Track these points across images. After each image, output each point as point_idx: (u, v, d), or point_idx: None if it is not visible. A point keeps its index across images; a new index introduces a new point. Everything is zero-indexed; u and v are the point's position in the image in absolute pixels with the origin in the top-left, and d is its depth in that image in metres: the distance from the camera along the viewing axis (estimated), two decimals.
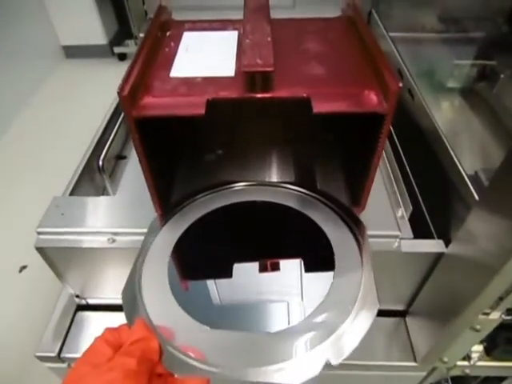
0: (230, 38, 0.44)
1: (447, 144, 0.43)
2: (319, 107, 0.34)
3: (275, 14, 0.48)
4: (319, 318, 0.34)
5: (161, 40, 0.44)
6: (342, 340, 0.33)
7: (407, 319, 0.52)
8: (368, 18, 0.75)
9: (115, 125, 0.64)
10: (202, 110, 0.33)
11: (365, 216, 0.45)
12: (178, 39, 0.44)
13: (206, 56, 0.41)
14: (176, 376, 0.31)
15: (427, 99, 0.51)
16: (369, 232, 0.43)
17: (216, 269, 0.41)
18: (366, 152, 0.39)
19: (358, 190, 0.43)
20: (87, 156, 0.57)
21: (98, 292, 0.52)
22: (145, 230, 0.44)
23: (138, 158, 0.38)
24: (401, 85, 0.32)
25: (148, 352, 0.30)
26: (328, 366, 0.31)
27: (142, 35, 0.42)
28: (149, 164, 0.39)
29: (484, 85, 0.52)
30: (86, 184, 0.56)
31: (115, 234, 0.44)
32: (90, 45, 2.29)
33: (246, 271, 0.40)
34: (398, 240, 0.43)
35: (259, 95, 0.35)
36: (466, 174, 0.40)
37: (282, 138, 0.50)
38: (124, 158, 0.69)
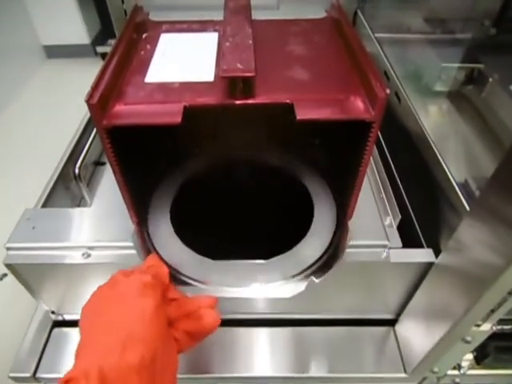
0: (210, 39, 0.42)
1: (436, 150, 0.42)
2: (303, 114, 0.32)
3: (258, 15, 0.46)
4: (303, 249, 0.41)
5: (136, 42, 0.42)
6: (322, 265, 0.40)
7: (396, 328, 0.51)
8: (353, 18, 0.74)
9: (93, 129, 0.61)
10: (178, 119, 0.31)
11: (352, 225, 0.43)
12: (154, 41, 0.42)
13: (184, 59, 0.39)
14: (188, 295, 0.34)
15: (414, 102, 0.49)
16: (356, 242, 0.42)
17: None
18: (353, 160, 0.37)
19: (345, 198, 0.41)
20: (62, 164, 0.54)
21: (76, 307, 0.49)
22: (122, 244, 0.42)
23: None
24: (388, 91, 0.30)
25: (160, 274, 0.33)
26: (312, 283, 0.39)
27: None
28: (123, 174, 0.36)
29: (472, 88, 0.51)
30: (61, 194, 0.53)
31: (90, 248, 0.41)
32: (72, 44, 2.23)
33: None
34: (386, 250, 0.41)
35: (239, 101, 0.33)
36: (456, 182, 0.39)
37: (267, 145, 0.48)
38: (103, 164, 0.66)
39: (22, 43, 2.06)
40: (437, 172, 0.42)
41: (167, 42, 0.42)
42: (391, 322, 0.51)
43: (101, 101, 0.31)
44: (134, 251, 0.41)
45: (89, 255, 0.41)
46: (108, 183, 0.56)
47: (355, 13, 0.73)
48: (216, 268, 0.40)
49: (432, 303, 0.42)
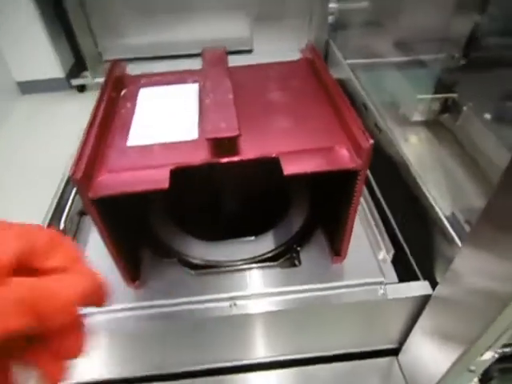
0: (191, 92, 0.42)
1: (420, 182, 0.43)
2: (290, 168, 0.32)
3: (233, 60, 0.46)
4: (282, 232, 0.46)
5: (115, 100, 0.42)
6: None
7: (400, 358, 0.50)
8: (325, 47, 0.76)
9: None
10: (165, 184, 0.31)
11: (346, 264, 0.43)
12: (134, 98, 0.42)
13: (166, 116, 0.39)
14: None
15: (394, 132, 0.50)
16: (352, 281, 0.42)
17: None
18: (342, 205, 0.37)
19: (337, 240, 0.41)
20: (47, 221, 0.53)
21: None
22: (118, 307, 0.40)
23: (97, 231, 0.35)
24: (372, 142, 0.31)
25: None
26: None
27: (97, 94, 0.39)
28: (113, 240, 0.36)
29: (448, 117, 0.53)
30: None
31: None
32: (47, 79, 2.21)
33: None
34: (382, 286, 0.41)
35: (225, 160, 0.33)
36: (444, 214, 0.39)
37: (255, 195, 0.48)
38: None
39: None
40: (424, 203, 0.43)
41: (147, 98, 0.42)
42: (394, 351, 0.51)
43: (86, 173, 0.30)
44: (130, 313, 0.40)
45: None
46: (95, 236, 0.54)
47: (327, 42, 0.75)
48: (212, 248, 0.44)
49: (434, 334, 0.42)
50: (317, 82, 0.43)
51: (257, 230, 0.45)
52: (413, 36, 0.58)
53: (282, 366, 0.51)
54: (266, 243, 0.44)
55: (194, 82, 0.44)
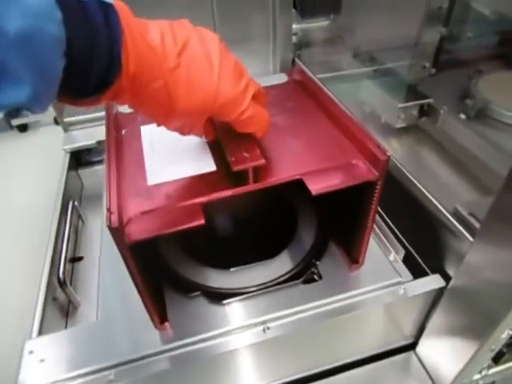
0: None
1: (418, 184, 0.46)
2: (316, 188, 0.33)
3: None
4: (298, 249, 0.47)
5: (119, 141, 0.41)
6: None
7: (418, 351, 0.53)
8: (292, 66, 0.79)
9: (65, 228, 0.57)
10: (201, 220, 0.31)
11: (362, 270, 0.45)
12: (137, 136, 0.41)
13: (177, 152, 0.39)
14: None
15: (380, 140, 0.54)
16: (374, 286, 0.44)
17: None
18: (358, 215, 0.39)
19: (354, 248, 0.43)
20: (45, 275, 0.49)
21: None
22: (153, 350, 0.39)
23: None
24: (389, 154, 0.33)
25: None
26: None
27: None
28: (146, 285, 0.34)
29: (426, 120, 0.58)
30: (50, 308, 0.48)
31: (115, 366, 0.38)
32: None
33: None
34: (402, 286, 0.44)
35: (253, 187, 0.34)
36: (446, 210, 0.43)
37: (269, 218, 0.49)
38: (81, 259, 0.62)
39: None
40: (424, 202, 0.46)
41: (151, 136, 0.41)
42: (411, 346, 0.53)
43: (120, 220, 0.30)
44: (166, 354, 0.39)
45: (113, 378, 0.38)
46: (103, 286, 0.50)
47: (293, 61, 0.79)
48: (232, 276, 0.44)
49: (453, 323, 0.44)
50: (311, 101, 0.45)
51: (273, 251, 0.46)
52: (385, 48, 0.63)
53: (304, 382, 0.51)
54: (285, 262, 0.45)
55: None
